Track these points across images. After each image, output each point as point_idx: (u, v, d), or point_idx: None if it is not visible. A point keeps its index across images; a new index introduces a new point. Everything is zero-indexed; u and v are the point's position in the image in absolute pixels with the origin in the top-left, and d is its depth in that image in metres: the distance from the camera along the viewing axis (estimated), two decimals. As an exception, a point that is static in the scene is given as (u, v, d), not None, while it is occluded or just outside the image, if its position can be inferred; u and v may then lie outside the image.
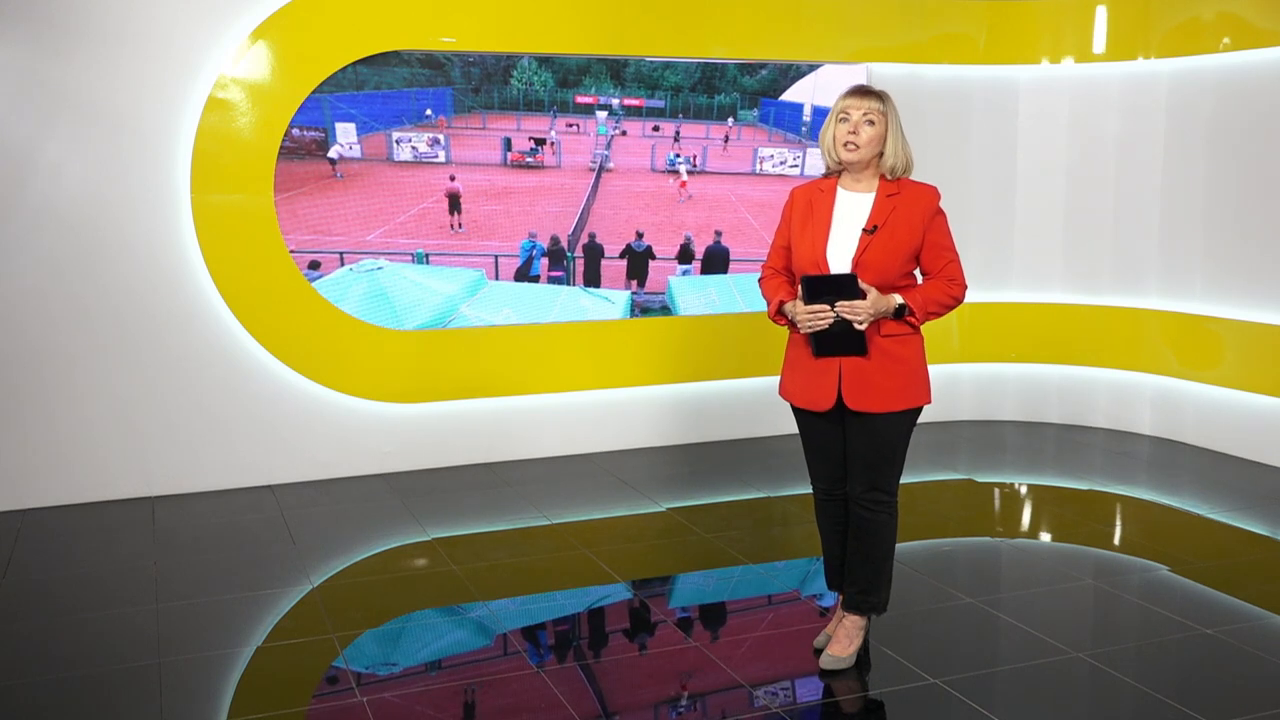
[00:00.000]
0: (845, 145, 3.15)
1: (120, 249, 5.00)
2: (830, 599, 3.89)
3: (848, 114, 3.15)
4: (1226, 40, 5.77)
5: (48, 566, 4.29)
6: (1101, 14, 6.26)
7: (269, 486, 5.32)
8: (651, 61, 5.83)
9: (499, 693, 3.22)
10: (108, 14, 4.86)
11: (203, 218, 5.07)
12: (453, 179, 5.51)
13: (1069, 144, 6.44)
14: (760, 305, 5.68)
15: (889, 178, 3.20)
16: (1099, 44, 6.29)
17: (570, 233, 5.77)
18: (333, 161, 5.24)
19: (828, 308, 3.08)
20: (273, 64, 5.11)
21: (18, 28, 4.75)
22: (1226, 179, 5.85)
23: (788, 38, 6.02)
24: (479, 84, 5.52)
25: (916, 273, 3.28)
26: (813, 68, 6.14)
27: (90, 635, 3.65)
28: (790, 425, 3.51)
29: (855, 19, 6.14)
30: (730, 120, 6.03)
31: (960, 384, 6.66)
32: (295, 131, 5.15)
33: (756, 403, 6.08)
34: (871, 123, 3.14)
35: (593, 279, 5.86)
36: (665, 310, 6.01)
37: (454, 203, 5.52)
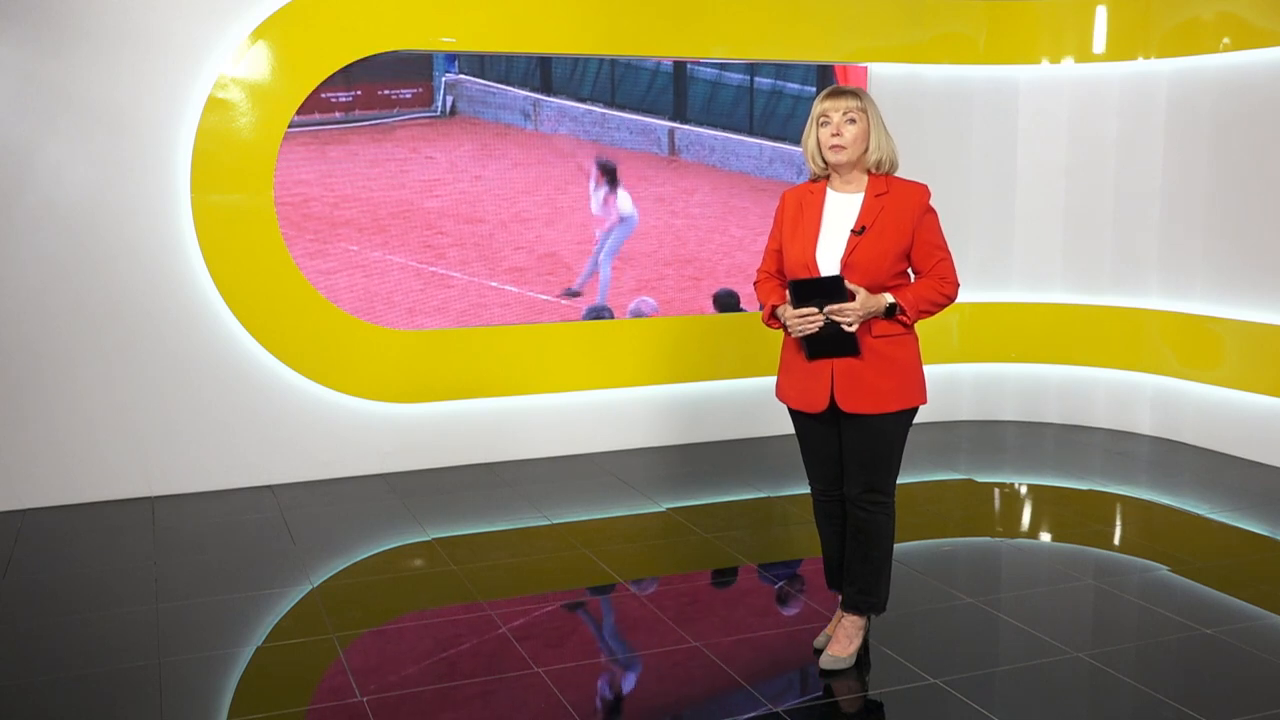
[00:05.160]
0: (832, 148, 3.15)
1: (120, 249, 5.00)
2: (830, 598, 3.89)
3: (828, 117, 3.15)
4: (1226, 40, 5.76)
5: (48, 566, 4.29)
6: (1101, 14, 6.26)
7: (269, 486, 5.32)
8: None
9: (499, 693, 3.22)
10: (108, 14, 4.86)
11: (203, 218, 5.07)
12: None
13: (1069, 144, 6.44)
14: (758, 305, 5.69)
15: (876, 172, 3.20)
16: (1099, 44, 6.29)
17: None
18: None
19: (816, 311, 3.08)
20: (273, 64, 5.11)
21: (18, 28, 4.75)
22: (1227, 179, 5.85)
23: (788, 38, 6.02)
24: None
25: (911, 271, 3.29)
26: (813, 67, 6.14)
27: (90, 635, 3.65)
28: (789, 425, 3.51)
29: (855, 19, 6.14)
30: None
31: (960, 384, 6.66)
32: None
33: (756, 403, 6.07)
34: (853, 121, 3.14)
35: None
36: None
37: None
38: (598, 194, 5.76)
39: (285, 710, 3.15)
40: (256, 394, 5.28)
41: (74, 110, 4.87)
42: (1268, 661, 3.42)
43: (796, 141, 6.07)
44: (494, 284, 5.60)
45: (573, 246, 5.76)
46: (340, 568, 4.31)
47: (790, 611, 3.89)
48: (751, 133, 6.06)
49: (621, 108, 5.79)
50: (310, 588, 4.06)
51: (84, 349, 5.00)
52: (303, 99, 5.16)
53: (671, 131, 5.91)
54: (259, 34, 5.06)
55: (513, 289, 5.64)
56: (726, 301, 6.10)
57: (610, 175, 5.78)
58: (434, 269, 5.51)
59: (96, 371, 5.02)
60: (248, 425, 5.29)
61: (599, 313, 5.83)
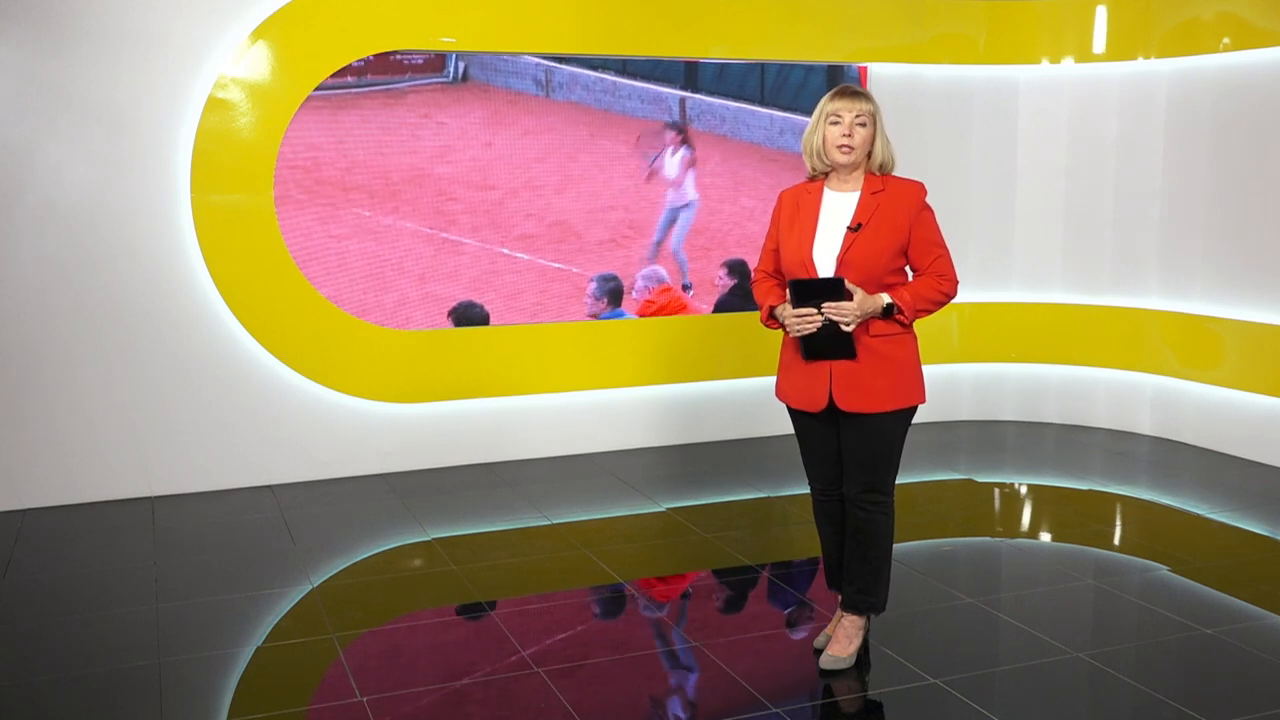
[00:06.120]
0: (841, 148, 3.16)
1: (120, 249, 5.00)
2: (831, 599, 3.89)
3: (840, 116, 3.15)
4: (1226, 40, 5.76)
5: (48, 566, 4.29)
6: (1101, 14, 6.26)
7: (269, 486, 5.32)
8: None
9: (499, 693, 3.22)
10: (107, 14, 4.86)
11: (203, 218, 5.07)
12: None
13: (1069, 144, 6.44)
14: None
15: (876, 174, 3.21)
16: (1099, 44, 6.29)
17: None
18: None
19: (815, 311, 3.08)
20: (273, 64, 5.11)
21: (18, 27, 4.75)
22: (1226, 179, 5.85)
23: (788, 38, 6.02)
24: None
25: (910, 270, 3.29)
26: (813, 68, 6.14)
27: (90, 635, 3.65)
28: (789, 425, 3.51)
29: (855, 19, 6.14)
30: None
31: (960, 384, 6.66)
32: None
33: (756, 403, 6.07)
34: (864, 125, 3.15)
35: None
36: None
37: None
38: (674, 158, 5.76)
39: (285, 710, 3.15)
40: (256, 394, 5.28)
41: (74, 110, 4.87)
42: (1268, 661, 3.42)
43: (807, 113, 6.05)
44: (505, 250, 5.61)
45: (583, 215, 5.75)
46: (340, 568, 4.31)
47: (790, 612, 3.89)
48: (763, 103, 6.07)
49: (633, 76, 5.79)
50: (310, 588, 4.06)
51: (84, 349, 5.00)
52: (303, 99, 5.16)
53: (683, 101, 5.90)
54: (259, 34, 5.06)
55: (523, 256, 5.63)
56: (742, 270, 6.10)
57: (683, 134, 5.78)
58: (445, 235, 5.51)
59: (96, 371, 5.02)
60: (248, 425, 5.29)
61: (651, 278, 5.84)
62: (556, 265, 5.72)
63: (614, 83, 5.75)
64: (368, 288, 5.41)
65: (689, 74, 5.90)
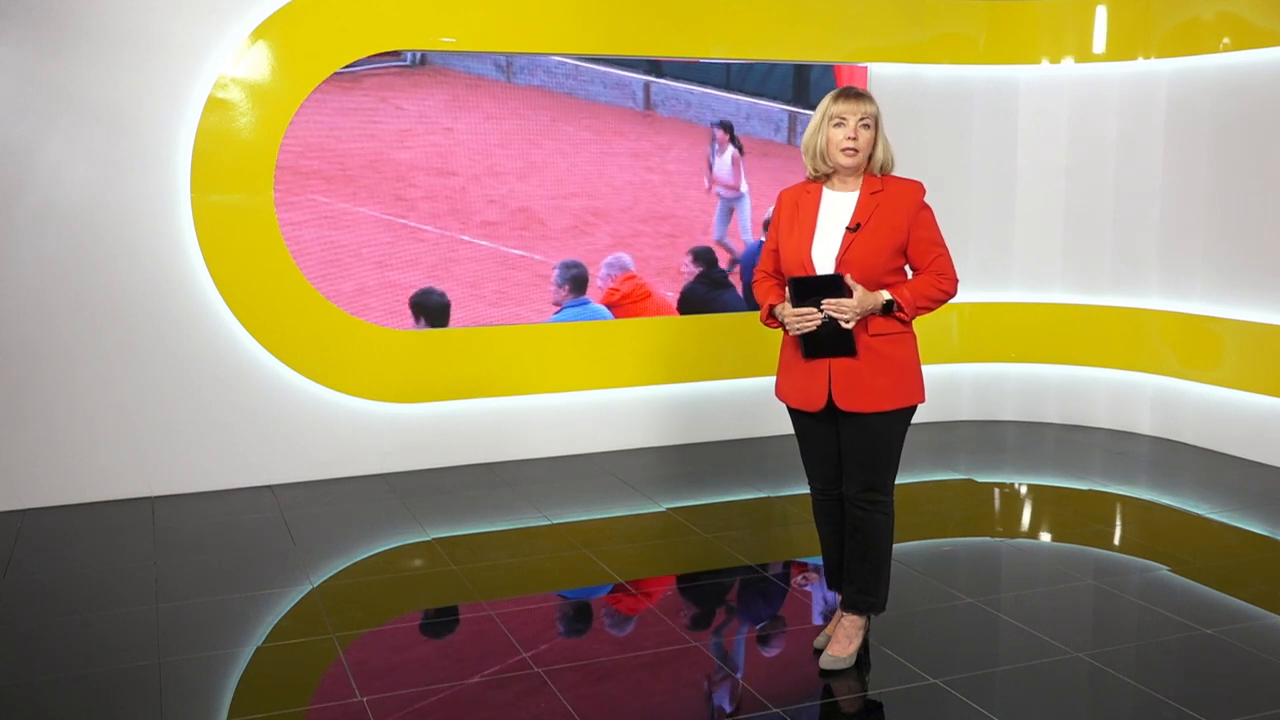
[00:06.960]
0: (845, 151, 3.16)
1: (120, 249, 5.00)
2: (830, 599, 3.89)
3: (844, 119, 3.15)
4: (1226, 40, 5.77)
5: (48, 566, 4.29)
6: (1101, 14, 6.26)
7: (269, 486, 5.32)
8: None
9: (499, 693, 3.22)
10: (107, 14, 4.86)
11: (203, 218, 5.07)
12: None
13: (1069, 144, 6.44)
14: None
15: (876, 175, 3.21)
16: (1099, 44, 6.29)
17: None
18: None
19: (815, 310, 3.09)
20: (273, 64, 5.11)
21: (18, 28, 4.75)
22: (1227, 179, 5.85)
23: (788, 38, 6.02)
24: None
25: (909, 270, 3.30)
26: (812, 68, 6.14)
27: (90, 635, 3.65)
28: (789, 425, 3.51)
29: (855, 19, 6.14)
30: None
31: (960, 384, 6.66)
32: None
33: (756, 403, 6.07)
34: (867, 127, 3.16)
35: None
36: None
37: None
38: (723, 157, 5.76)
39: (285, 710, 3.15)
40: (256, 394, 5.28)
41: (74, 110, 4.87)
42: (1268, 661, 3.42)
43: (774, 97, 6.05)
44: (466, 238, 5.56)
45: (546, 201, 5.70)
46: (340, 568, 4.31)
47: (790, 611, 3.89)
48: (729, 88, 6.02)
49: (596, 60, 5.74)
50: (310, 588, 4.06)
51: (84, 349, 5.00)
52: (303, 99, 5.16)
53: (647, 85, 5.86)
54: (259, 34, 5.06)
55: (486, 243, 5.59)
56: (709, 257, 6.08)
57: (731, 132, 5.79)
58: (404, 221, 5.45)
59: (96, 371, 5.02)
60: (248, 425, 5.29)
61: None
62: (519, 252, 5.68)
63: (576, 67, 5.69)
64: (325, 274, 5.35)
65: (653, 58, 5.87)
